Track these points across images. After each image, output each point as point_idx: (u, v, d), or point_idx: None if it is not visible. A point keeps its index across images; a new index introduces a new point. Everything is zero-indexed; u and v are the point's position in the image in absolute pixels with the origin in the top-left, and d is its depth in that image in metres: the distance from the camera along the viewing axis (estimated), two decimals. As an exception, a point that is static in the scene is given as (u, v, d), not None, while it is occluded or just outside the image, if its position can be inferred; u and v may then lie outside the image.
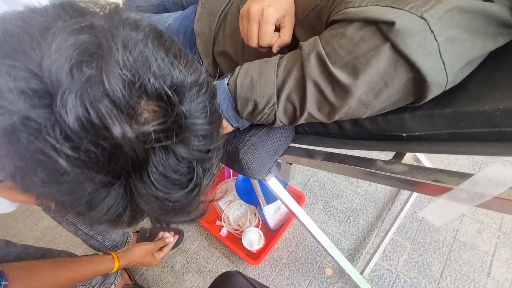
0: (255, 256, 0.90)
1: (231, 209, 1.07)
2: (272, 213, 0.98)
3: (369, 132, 0.43)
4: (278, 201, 0.95)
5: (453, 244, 0.89)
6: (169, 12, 1.04)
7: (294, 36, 0.48)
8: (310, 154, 0.50)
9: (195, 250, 1.03)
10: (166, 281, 0.98)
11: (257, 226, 1.01)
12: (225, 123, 0.44)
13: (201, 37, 0.71)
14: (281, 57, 0.41)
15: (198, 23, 0.72)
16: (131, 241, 1.03)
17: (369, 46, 0.32)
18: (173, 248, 1.04)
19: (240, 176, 1.01)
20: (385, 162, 0.38)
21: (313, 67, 0.35)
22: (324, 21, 0.42)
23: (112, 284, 0.91)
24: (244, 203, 1.06)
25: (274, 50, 0.49)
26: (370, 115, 0.39)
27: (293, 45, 0.50)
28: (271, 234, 0.97)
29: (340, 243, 0.96)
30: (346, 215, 1.02)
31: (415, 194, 0.98)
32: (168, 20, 0.79)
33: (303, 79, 0.36)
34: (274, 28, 0.45)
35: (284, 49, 0.53)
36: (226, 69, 0.72)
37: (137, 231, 1.06)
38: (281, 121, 0.43)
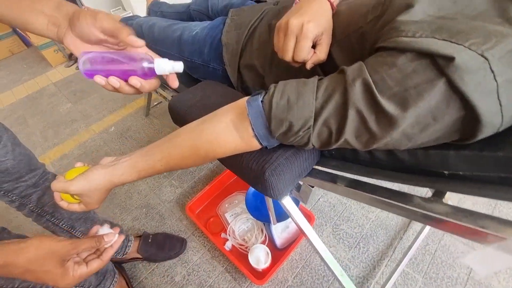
0: (260, 275, 0.87)
1: (238, 223, 1.05)
2: (280, 231, 0.96)
3: (404, 165, 0.41)
4: (288, 219, 0.92)
5: (467, 282, 0.85)
6: (193, 20, 1.05)
7: (329, 55, 0.47)
8: (334, 179, 0.48)
9: (197, 262, 1.00)
10: (164, 292, 0.94)
11: (263, 242, 0.98)
12: (253, 141, 0.43)
13: (228, 48, 0.71)
14: (320, 79, 0.39)
15: (227, 34, 0.72)
16: (131, 245, 1.00)
17: (422, 79, 0.31)
18: (173, 257, 1.01)
19: (251, 190, 0.99)
20: (424, 199, 0.36)
21: (357, 95, 0.34)
22: (367, 46, 0.41)
23: (107, 289, 0.87)
24: (251, 218, 1.03)
25: (308, 66, 0.48)
26: (410, 147, 0.37)
27: (326, 64, 0.49)
28: (277, 253, 0.94)
29: (349, 269, 0.92)
30: (355, 240, 0.98)
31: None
32: (195, 29, 0.79)
33: (345, 105, 0.35)
34: (311, 44, 0.45)
35: (316, 67, 0.52)
36: (251, 81, 0.72)
37: (140, 236, 1.04)
38: (313, 145, 0.41)
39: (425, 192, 1.01)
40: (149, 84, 0.42)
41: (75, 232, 0.82)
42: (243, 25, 0.70)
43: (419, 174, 0.39)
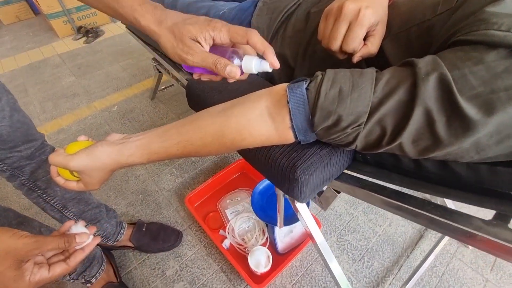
0: (258, 280, 0.81)
1: (238, 221, 0.99)
2: (283, 235, 0.90)
3: (460, 180, 0.36)
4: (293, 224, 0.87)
5: (474, 311, 0.81)
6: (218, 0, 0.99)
7: (380, 48, 0.42)
8: (373, 188, 0.43)
9: (191, 258, 0.94)
10: (154, 286, 0.89)
11: (263, 245, 0.93)
12: (288, 133, 0.37)
13: (258, 33, 0.65)
14: (378, 71, 0.34)
15: (257, 17, 0.66)
16: (124, 232, 0.94)
17: None
18: (166, 250, 0.95)
19: (258, 188, 0.94)
20: (486, 222, 0.31)
21: (430, 91, 0.28)
22: (435, 41, 0.36)
23: (93, 277, 0.82)
24: (253, 217, 0.98)
25: (355, 59, 0.42)
26: (474, 161, 0.32)
27: (374, 59, 0.44)
28: (277, 258, 0.89)
29: (351, 283, 0.87)
30: (360, 254, 0.94)
31: (440, 247, 0.91)
32: (223, 8, 0.73)
33: (411, 102, 0.29)
34: (365, 33, 0.39)
35: (361, 62, 0.47)
36: (277, 73, 0.66)
37: (134, 223, 0.98)
38: (356, 145, 0.36)
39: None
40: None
41: (66, 212, 0.76)
42: (277, 10, 0.65)
43: (476, 193, 0.34)
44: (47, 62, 2.12)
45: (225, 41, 0.37)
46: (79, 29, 2.46)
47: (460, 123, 0.28)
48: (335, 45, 0.41)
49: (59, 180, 0.43)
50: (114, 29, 2.51)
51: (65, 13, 2.38)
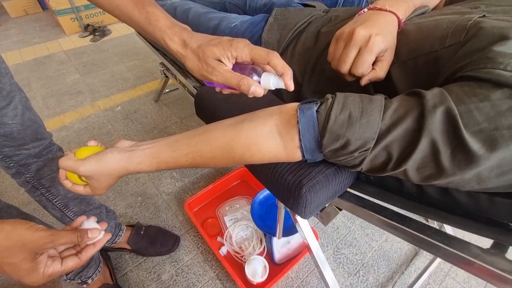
0: (254, 289, 0.82)
1: (236, 228, 1.00)
2: (280, 246, 0.91)
3: (461, 208, 0.37)
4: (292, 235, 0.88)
5: (465, 331, 0.82)
6: (227, 12, 1.01)
7: (387, 74, 0.44)
8: (375, 209, 0.44)
9: (187, 263, 0.95)
10: (149, 290, 0.89)
11: (260, 254, 0.93)
12: (297, 152, 0.39)
13: (267, 47, 0.67)
14: (386, 99, 0.36)
15: (268, 33, 0.68)
16: (122, 234, 0.94)
17: None
18: (163, 254, 0.96)
19: (258, 198, 0.95)
20: (483, 250, 0.33)
21: (436, 124, 0.30)
22: (439, 71, 0.37)
23: (89, 278, 0.82)
24: (251, 225, 0.99)
25: (363, 82, 0.44)
26: (474, 190, 0.33)
27: (382, 83, 0.45)
28: (274, 268, 0.89)
29: (345, 297, 0.88)
30: (356, 268, 0.94)
31: (434, 265, 0.92)
32: (235, 21, 0.75)
33: (418, 132, 0.31)
34: (374, 59, 0.41)
35: (368, 85, 0.48)
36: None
37: (132, 225, 0.98)
38: (362, 168, 0.37)
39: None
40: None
41: (67, 212, 0.76)
42: (288, 27, 0.66)
43: (476, 220, 0.36)
44: (52, 58, 2.13)
45: (246, 60, 0.38)
46: (86, 27, 2.47)
47: (464, 155, 0.29)
48: (345, 69, 0.43)
49: (67, 184, 0.44)
50: (121, 29, 2.53)
51: (73, 10, 2.40)
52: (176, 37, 0.40)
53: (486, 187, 0.32)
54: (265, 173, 0.46)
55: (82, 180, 0.42)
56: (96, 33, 2.40)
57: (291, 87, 0.38)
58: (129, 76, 1.87)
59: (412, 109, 0.32)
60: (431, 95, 0.31)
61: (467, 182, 0.31)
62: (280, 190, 0.45)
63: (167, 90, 1.65)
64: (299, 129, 0.37)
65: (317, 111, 0.37)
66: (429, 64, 0.40)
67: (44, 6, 3.02)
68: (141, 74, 1.89)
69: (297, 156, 0.39)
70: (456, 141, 0.29)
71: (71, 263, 0.38)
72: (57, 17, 2.43)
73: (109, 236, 0.43)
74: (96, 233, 0.40)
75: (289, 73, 0.37)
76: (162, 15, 0.41)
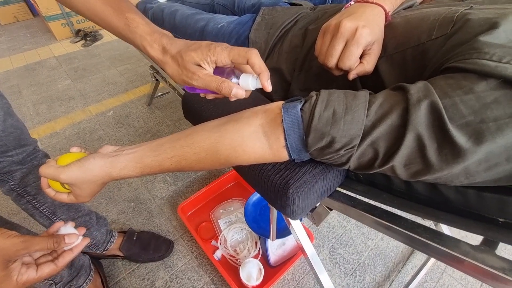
0: (249, 293, 0.80)
1: (231, 231, 0.98)
2: (275, 248, 0.90)
3: (448, 204, 0.36)
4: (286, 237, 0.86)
5: (464, 328, 0.81)
6: (216, 13, 1.00)
7: (375, 68, 0.43)
8: (365, 207, 0.43)
9: (182, 268, 0.93)
10: (142, 297, 0.87)
11: (255, 257, 0.92)
12: (283, 152, 0.38)
13: (255, 47, 0.66)
14: (371, 94, 0.35)
15: (255, 32, 0.67)
16: (114, 241, 0.92)
17: (505, 112, 0.26)
18: (157, 260, 0.94)
19: (251, 200, 0.93)
20: (473, 247, 0.32)
21: (421, 118, 0.29)
22: (427, 64, 0.37)
23: (80, 287, 0.80)
24: (246, 228, 0.97)
25: (351, 77, 0.43)
26: (463, 185, 0.32)
27: (369, 77, 0.45)
28: (269, 271, 0.88)
29: (342, 298, 0.87)
30: (352, 267, 0.93)
31: (431, 262, 0.91)
32: (222, 21, 0.74)
33: (403, 128, 0.30)
34: (361, 52, 0.40)
35: (355, 80, 0.48)
36: (274, 85, 0.67)
37: (124, 232, 0.96)
38: (350, 166, 0.36)
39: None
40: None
41: (55, 219, 0.74)
42: (275, 26, 0.66)
43: (464, 217, 0.35)
44: (43, 64, 2.11)
45: (226, 63, 0.38)
46: (77, 32, 2.46)
47: (450, 150, 0.28)
48: (331, 62, 0.42)
49: (50, 192, 0.42)
50: (113, 34, 2.51)
51: (64, 16, 2.39)
52: (156, 43, 0.39)
53: (475, 182, 0.31)
54: (252, 174, 0.45)
55: (66, 188, 0.41)
56: (88, 38, 2.38)
57: (268, 88, 0.37)
58: (121, 81, 1.86)
59: (397, 104, 0.31)
60: (416, 89, 0.31)
61: (456, 177, 0.31)
62: (267, 191, 0.44)
63: (159, 94, 1.64)
64: (284, 128, 0.36)
65: (301, 109, 0.36)
66: (416, 57, 0.39)
67: (34, 12, 3.00)
68: (133, 78, 1.87)
69: (283, 156, 0.39)
70: (442, 135, 0.28)
71: (47, 269, 0.37)
72: (47, 23, 2.41)
73: (87, 241, 0.42)
74: (74, 238, 0.39)
75: (265, 74, 0.36)
76: (141, 21, 0.40)
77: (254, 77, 0.38)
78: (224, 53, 0.37)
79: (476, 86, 0.28)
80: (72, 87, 1.82)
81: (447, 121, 0.28)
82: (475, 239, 0.34)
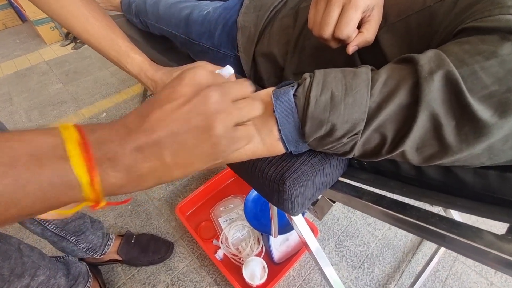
0: (253, 293, 0.77)
1: (232, 230, 0.95)
2: (278, 244, 0.86)
3: (465, 188, 0.32)
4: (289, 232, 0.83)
5: (480, 316, 0.78)
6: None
7: (375, 40, 0.38)
8: (369, 197, 0.39)
9: (183, 270, 0.90)
10: (144, 302, 0.84)
11: (258, 254, 0.89)
12: (278, 145, 0.33)
13: (244, 32, 0.62)
14: (373, 70, 0.30)
15: (244, 16, 0.63)
16: (112, 244, 0.89)
17: None
18: (157, 262, 0.90)
19: (251, 196, 0.90)
20: (498, 237, 0.28)
21: (435, 92, 0.24)
22: (439, 30, 0.32)
23: (78, 294, 0.77)
24: (247, 225, 0.94)
25: (350, 49, 0.37)
26: (484, 165, 0.28)
27: (369, 51, 0.40)
28: (274, 268, 0.85)
29: (351, 292, 0.83)
30: (360, 260, 0.90)
31: (442, 250, 0.87)
32: (207, 8, 0.69)
33: (414, 106, 0.26)
34: (360, 17, 0.35)
35: (354, 56, 0.43)
36: (266, 72, 0.62)
37: (122, 235, 0.93)
38: (354, 154, 0.32)
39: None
40: None
41: (47, 225, 0.71)
42: (264, 7, 0.61)
43: (486, 202, 0.30)
44: (33, 70, 2.06)
45: None
46: (67, 35, 2.40)
47: (472, 127, 0.24)
48: (327, 32, 0.36)
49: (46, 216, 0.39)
50: (103, 34, 2.46)
51: (51, 19, 2.33)
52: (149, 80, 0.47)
53: (499, 162, 0.27)
54: (245, 169, 0.41)
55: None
56: (77, 41, 2.33)
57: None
58: (113, 81, 1.81)
59: (404, 79, 0.27)
60: (426, 59, 0.26)
61: (477, 158, 0.26)
62: (263, 186, 0.40)
63: (151, 93, 1.59)
64: (276, 118, 0.32)
65: (294, 95, 0.31)
66: (422, 23, 0.34)
67: (23, 17, 2.94)
68: (125, 78, 1.82)
69: (279, 149, 0.34)
70: (461, 110, 0.24)
71: None
72: (36, 28, 2.35)
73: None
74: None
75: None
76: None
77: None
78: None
79: (499, 49, 0.23)
80: (64, 91, 1.78)
81: (466, 94, 0.23)
82: (491, 228, 0.30)
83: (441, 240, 0.31)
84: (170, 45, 0.87)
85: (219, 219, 0.98)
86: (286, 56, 0.55)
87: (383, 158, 0.31)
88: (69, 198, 0.19)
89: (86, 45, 2.29)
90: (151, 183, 0.23)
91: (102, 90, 1.75)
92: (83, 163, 0.19)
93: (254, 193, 0.91)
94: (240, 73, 0.65)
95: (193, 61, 0.78)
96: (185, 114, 0.22)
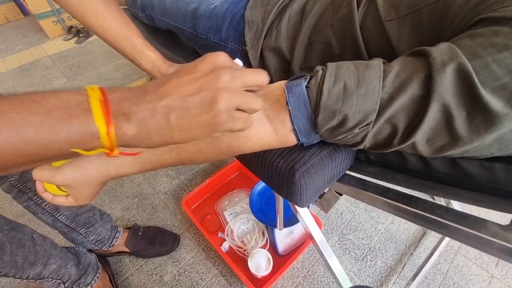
0: (259, 283, 0.79)
1: (237, 222, 0.96)
2: (283, 237, 0.88)
3: (471, 181, 0.33)
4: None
5: (480, 308, 0.79)
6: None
7: (384, 33, 0.39)
8: (376, 190, 0.40)
9: (189, 262, 0.92)
10: (151, 292, 0.86)
11: (263, 247, 0.90)
12: (290, 136, 0.34)
13: (251, 27, 0.62)
14: (385, 63, 0.31)
15: (251, 10, 0.63)
16: (120, 236, 0.91)
17: None
18: (164, 254, 0.93)
19: (256, 189, 0.91)
20: (503, 227, 0.29)
21: (447, 84, 0.25)
22: (452, 24, 0.32)
23: (88, 285, 0.79)
24: (252, 218, 0.95)
25: None
26: (494, 155, 0.29)
27: (377, 44, 0.40)
28: (278, 260, 0.86)
29: (354, 283, 0.85)
30: (363, 253, 0.91)
31: (444, 243, 0.89)
32: (214, 2, 0.69)
33: (426, 97, 0.26)
34: None
35: (360, 50, 0.43)
36: (273, 67, 0.63)
37: (129, 228, 0.95)
38: (365, 145, 0.33)
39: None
40: None
41: (58, 216, 0.73)
42: (271, 2, 0.61)
43: (492, 194, 0.31)
44: (37, 64, 2.07)
45: None
46: (69, 29, 2.40)
47: (483, 118, 0.25)
48: None
49: (47, 196, 0.39)
50: (106, 28, 2.45)
51: (54, 13, 2.32)
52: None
53: (509, 152, 0.27)
54: (255, 161, 0.42)
55: (62, 190, 0.38)
56: (80, 35, 2.33)
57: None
58: (117, 76, 1.82)
59: (416, 71, 0.27)
60: (438, 51, 0.27)
61: (486, 149, 0.27)
62: (272, 178, 0.41)
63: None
64: (289, 110, 0.33)
65: (307, 87, 0.32)
66: (434, 16, 0.34)
67: (25, 11, 2.93)
68: (129, 72, 1.83)
69: (291, 140, 0.35)
70: (473, 102, 0.25)
71: None
72: (38, 21, 2.35)
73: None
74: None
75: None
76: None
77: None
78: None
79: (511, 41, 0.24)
80: (68, 85, 1.79)
81: (478, 86, 0.24)
82: (494, 219, 0.31)
83: (446, 231, 0.32)
84: (176, 39, 0.87)
85: (224, 212, 1.00)
86: (293, 51, 0.56)
87: (393, 150, 0.31)
88: (90, 144, 0.23)
89: (89, 40, 2.29)
90: (156, 139, 0.26)
91: (106, 84, 1.75)
92: (102, 116, 0.22)
93: (259, 187, 0.93)
94: (247, 67, 0.65)
95: (199, 55, 0.78)
96: (197, 86, 0.25)
